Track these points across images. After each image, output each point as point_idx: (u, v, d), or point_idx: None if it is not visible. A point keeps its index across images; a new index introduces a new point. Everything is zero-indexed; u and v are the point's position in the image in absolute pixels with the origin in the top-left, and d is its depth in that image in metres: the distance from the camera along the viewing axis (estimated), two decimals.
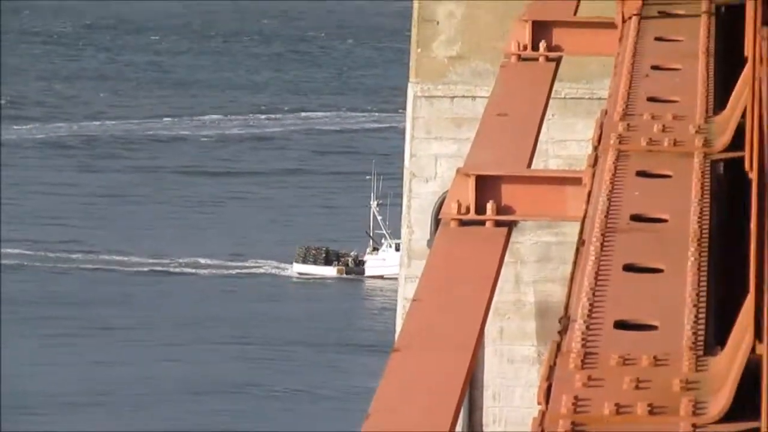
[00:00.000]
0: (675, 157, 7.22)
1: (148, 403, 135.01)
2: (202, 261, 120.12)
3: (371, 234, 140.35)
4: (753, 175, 8.31)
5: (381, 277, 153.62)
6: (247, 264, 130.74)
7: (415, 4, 27.69)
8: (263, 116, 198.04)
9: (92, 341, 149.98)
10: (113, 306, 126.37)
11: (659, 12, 15.00)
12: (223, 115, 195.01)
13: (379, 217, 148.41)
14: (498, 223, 12.00)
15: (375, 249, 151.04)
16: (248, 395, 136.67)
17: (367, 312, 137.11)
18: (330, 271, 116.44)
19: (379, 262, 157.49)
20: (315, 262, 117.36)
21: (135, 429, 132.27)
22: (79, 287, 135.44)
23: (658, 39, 13.33)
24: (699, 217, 9.17)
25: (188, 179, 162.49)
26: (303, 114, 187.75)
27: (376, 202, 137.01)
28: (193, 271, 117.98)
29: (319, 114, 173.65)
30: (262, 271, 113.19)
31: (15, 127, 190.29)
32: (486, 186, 12.43)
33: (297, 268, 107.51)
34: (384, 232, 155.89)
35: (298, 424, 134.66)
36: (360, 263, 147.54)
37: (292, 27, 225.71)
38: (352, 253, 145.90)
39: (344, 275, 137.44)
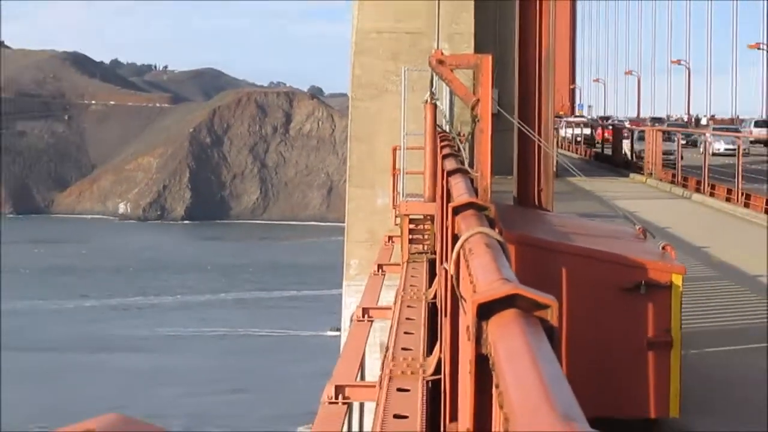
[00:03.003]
0: (412, 378, 6.12)
1: None
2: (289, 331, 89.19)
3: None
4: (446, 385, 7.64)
5: None
6: (301, 332, 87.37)
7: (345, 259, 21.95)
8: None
9: None
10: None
11: None
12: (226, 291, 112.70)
13: None
14: (368, 321, 10.70)
15: None
16: None
17: None
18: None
19: None
20: (333, 330, 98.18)
21: None
22: None
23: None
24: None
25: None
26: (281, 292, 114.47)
27: None
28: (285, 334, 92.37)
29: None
30: (319, 333, 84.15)
31: None
32: (366, 310, 11.26)
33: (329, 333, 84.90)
34: None
35: None
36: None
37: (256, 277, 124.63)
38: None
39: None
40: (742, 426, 6.93)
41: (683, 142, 33.71)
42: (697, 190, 27.00)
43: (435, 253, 9.92)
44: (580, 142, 49.18)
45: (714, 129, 50.05)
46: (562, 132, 55.84)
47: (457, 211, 5.48)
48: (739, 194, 23.60)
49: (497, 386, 2.12)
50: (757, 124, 59.49)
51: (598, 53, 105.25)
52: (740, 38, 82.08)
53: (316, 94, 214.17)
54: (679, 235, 16.95)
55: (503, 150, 10.62)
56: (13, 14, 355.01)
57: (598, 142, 45.52)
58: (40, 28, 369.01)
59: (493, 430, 2.53)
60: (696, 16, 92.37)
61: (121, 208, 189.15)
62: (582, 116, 74.35)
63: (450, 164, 8.70)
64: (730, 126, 59.17)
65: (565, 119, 63.10)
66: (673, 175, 29.71)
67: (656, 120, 69.34)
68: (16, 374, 69.50)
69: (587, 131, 51.02)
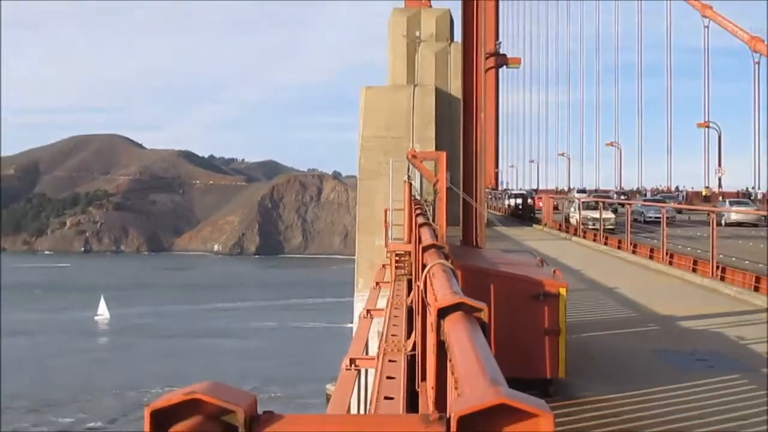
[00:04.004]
0: (398, 354, 4.89)
1: None
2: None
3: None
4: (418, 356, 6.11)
5: None
6: (328, 325, 75.91)
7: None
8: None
9: None
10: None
11: None
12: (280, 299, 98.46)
13: None
14: (369, 318, 9.39)
15: None
16: None
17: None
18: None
19: None
20: (350, 324, 75.24)
21: None
22: None
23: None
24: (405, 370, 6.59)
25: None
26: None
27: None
28: (318, 326, 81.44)
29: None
30: (341, 325, 54.53)
31: None
32: (369, 311, 9.86)
33: (348, 325, 63.22)
34: None
35: None
36: None
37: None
38: None
39: None
40: (605, 381, 6.88)
41: (613, 209, 30.76)
42: (575, 234, 26.90)
43: (411, 275, 9.52)
44: (520, 208, 43.96)
45: (644, 201, 44.06)
46: (506, 202, 50.16)
47: (425, 249, 5.44)
48: (601, 236, 23.96)
49: (450, 360, 2.13)
50: (579, 191, 57.62)
51: (511, 147, 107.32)
52: (602, 136, 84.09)
53: (337, 176, 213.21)
54: (564, 262, 16.92)
55: (453, 210, 10.60)
56: (147, 126, 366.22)
57: (538, 209, 40.91)
58: (164, 134, 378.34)
59: (448, 387, 2.49)
60: (573, 121, 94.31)
61: (216, 247, 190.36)
62: (515, 189, 72.14)
63: (420, 220, 8.64)
64: (656, 197, 52.48)
65: (508, 192, 58.65)
66: (560, 225, 29.68)
67: (533, 190, 66.82)
68: (147, 354, 68.92)
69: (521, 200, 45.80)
